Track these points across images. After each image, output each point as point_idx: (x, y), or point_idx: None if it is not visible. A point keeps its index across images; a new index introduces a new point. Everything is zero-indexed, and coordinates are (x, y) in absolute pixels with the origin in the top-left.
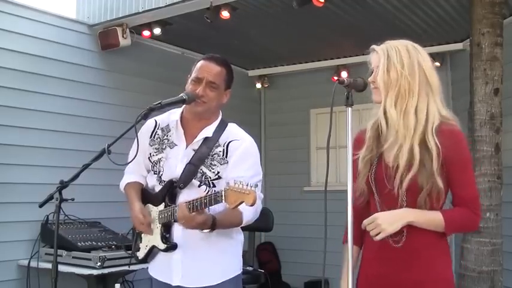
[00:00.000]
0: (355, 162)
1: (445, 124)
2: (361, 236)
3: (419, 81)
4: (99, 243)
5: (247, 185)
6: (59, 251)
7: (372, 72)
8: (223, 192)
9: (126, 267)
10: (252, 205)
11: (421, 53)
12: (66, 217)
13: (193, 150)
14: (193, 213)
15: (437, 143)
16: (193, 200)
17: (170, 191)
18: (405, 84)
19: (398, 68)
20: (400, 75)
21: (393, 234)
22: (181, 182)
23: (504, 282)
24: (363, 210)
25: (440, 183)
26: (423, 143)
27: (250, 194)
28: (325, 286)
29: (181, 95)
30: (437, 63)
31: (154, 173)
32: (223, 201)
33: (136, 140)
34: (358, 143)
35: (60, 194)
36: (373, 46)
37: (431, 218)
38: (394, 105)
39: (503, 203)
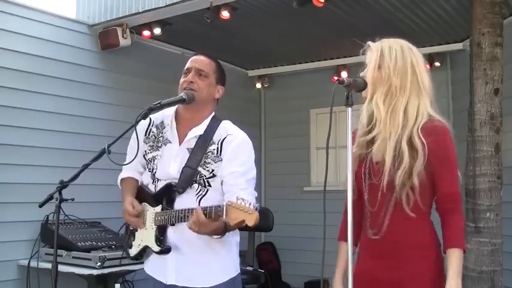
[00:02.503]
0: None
1: (430, 121)
2: (357, 234)
3: (411, 81)
4: (99, 243)
5: (249, 204)
6: (59, 251)
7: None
8: (224, 208)
9: (126, 267)
10: (253, 226)
11: (415, 54)
12: (66, 217)
13: (188, 149)
14: (208, 219)
15: (423, 141)
16: (208, 207)
17: (168, 194)
18: (396, 82)
19: (390, 66)
20: (392, 72)
21: (374, 226)
22: (180, 187)
23: (504, 282)
24: (355, 207)
25: (416, 181)
26: (409, 141)
27: (252, 214)
28: (325, 286)
29: (181, 94)
30: (437, 63)
31: (149, 171)
32: (224, 216)
33: (133, 138)
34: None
35: (60, 194)
36: (369, 43)
37: (460, 263)
38: (382, 102)
39: (503, 203)
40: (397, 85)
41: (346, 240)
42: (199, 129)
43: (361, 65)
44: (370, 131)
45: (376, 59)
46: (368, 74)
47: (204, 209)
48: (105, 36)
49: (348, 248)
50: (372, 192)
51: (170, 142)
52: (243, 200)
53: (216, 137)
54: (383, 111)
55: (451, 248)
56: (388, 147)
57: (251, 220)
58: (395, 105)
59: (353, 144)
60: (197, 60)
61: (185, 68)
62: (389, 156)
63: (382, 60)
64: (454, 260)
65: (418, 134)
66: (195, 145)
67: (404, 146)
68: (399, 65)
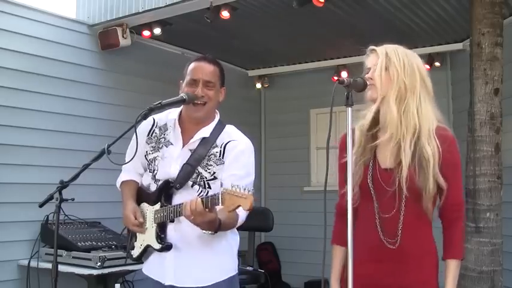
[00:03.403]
0: (342, 166)
1: (441, 129)
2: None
3: (419, 82)
4: (99, 243)
5: (244, 189)
6: (59, 251)
7: (368, 72)
8: (220, 195)
9: (126, 267)
10: (249, 209)
11: (417, 58)
12: (66, 217)
13: (190, 150)
14: (205, 209)
15: (438, 145)
16: (204, 197)
17: (166, 191)
18: (406, 83)
19: (398, 67)
20: (402, 73)
21: (389, 235)
22: (177, 183)
23: (504, 282)
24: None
25: (434, 185)
26: (424, 145)
27: (247, 198)
28: (325, 286)
29: (182, 95)
30: (437, 63)
31: (150, 171)
32: (220, 204)
33: (134, 138)
34: (344, 146)
35: (60, 194)
36: (372, 46)
37: (457, 273)
38: (394, 104)
39: (503, 203)
40: (407, 86)
41: (340, 243)
42: (205, 132)
43: (361, 65)
44: (374, 134)
45: (383, 60)
46: (375, 75)
47: (201, 199)
48: (105, 36)
49: (341, 252)
50: (384, 199)
51: (172, 144)
52: (237, 186)
53: (219, 141)
54: (395, 113)
55: (452, 258)
56: (406, 151)
57: (246, 204)
58: (406, 107)
59: (344, 150)
60: (203, 70)
61: (190, 78)
62: (407, 162)
63: (389, 61)
64: (452, 270)
65: (433, 137)
66: (198, 146)
67: (428, 151)
68: (407, 65)
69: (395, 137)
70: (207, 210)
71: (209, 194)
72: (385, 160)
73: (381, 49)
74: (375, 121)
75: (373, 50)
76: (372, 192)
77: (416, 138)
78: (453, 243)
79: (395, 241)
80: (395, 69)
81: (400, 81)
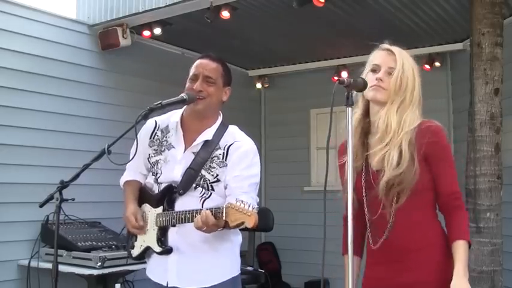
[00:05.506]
0: (342, 168)
1: (422, 123)
2: (361, 246)
3: (417, 97)
4: (99, 243)
5: (249, 206)
6: (59, 251)
7: (375, 69)
8: (224, 209)
9: (126, 267)
10: (252, 227)
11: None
12: (66, 217)
13: (193, 153)
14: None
15: (414, 143)
16: (210, 209)
17: (169, 195)
18: (409, 96)
19: (411, 80)
20: (411, 86)
21: (377, 235)
22: (181, 188)
23: (504, 282)
24: (358, 217)
25: (408, 183)
26: (400, 147)
27: (251, 216)
28: (325, 286)
29: (182, 95)
30: (437, 63)
31: (152, 174)
32: (224, 218)
33: (136, 139)
34: (344, 150)
35: (61, 194)
36: (388, 46)
37: (465, 255)
38: (396, 112)
39: (503, 203)
40: (409, 98)
41: (354, 254)
42: (208, 135)
43: (361, 65)
44: (365, 139)
45: (400, 68)
46: (393, 80)
47: (210, 211)
48: (105, 36)
49: (351, 259)
50: (373, 201)
51: (173, 147)
52: (242, 201)
53: (223, 143)
54: (395, 122)
55: (455, 240)
56: (391, 155)
57: (250, 222)
58: (403, 118)
59: (344, 155)
60: (204, 66)
61: (192, 74)
62: (391, 162)
63: (404, 71)
64: (459, 252)
65: (406, 140)
66: (200, 148)
67: (396, 152)
68: (414, 80)
69: (385, 142)
70: (216, 220)
71: (211, 196)
72: (375, 162)
73: (399, 55)
74: (369, 124)
75: (389, 50)
76: (364, 195)
77: (403, 142)
78: (454, 226)
79: (380, 241)
80: (407, 81)
81: (406, 93)
